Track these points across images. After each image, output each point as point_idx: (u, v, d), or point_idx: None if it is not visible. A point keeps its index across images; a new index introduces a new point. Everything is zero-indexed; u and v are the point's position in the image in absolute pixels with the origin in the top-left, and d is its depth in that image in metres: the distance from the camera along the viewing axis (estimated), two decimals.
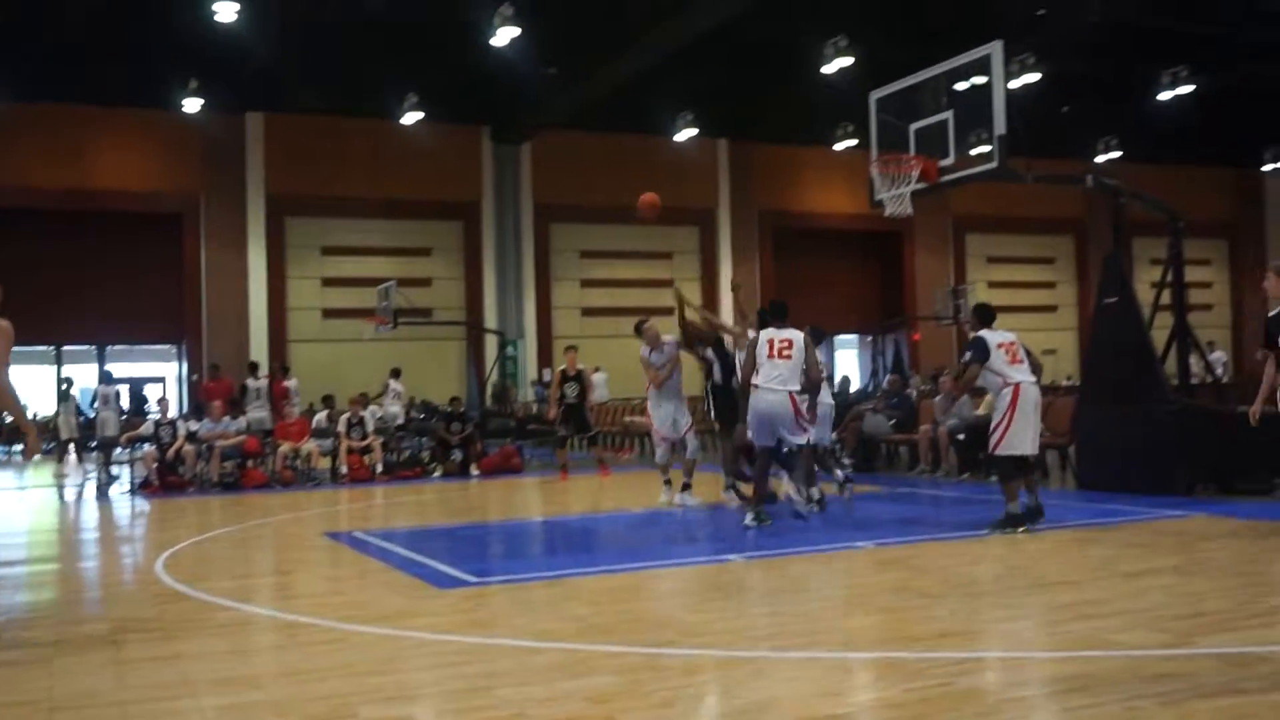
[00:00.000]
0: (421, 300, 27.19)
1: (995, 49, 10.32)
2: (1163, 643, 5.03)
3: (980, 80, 10.64)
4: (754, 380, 9.52)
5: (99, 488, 15.66)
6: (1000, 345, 8.80)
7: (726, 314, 30.61)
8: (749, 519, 9.41)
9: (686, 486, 11.37)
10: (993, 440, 8.78)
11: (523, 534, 10.58)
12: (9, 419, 19.79)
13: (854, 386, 21.92)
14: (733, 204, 32.58)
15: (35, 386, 29.01)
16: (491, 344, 27.93)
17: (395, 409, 19.68)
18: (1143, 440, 10.96)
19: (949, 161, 10.91)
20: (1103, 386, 11.57)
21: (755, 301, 27.29)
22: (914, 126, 11.21)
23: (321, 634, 5.81)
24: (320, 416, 18.07)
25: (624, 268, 31.63)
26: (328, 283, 28.86)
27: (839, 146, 29.85)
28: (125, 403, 18.14)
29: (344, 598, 6.99)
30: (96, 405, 18.56)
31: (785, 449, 9.78)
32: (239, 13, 19.33)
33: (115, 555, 9.86)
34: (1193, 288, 25.26)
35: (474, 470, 16.48)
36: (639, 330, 11.61)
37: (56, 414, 20.87)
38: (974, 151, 10.95)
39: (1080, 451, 12.29)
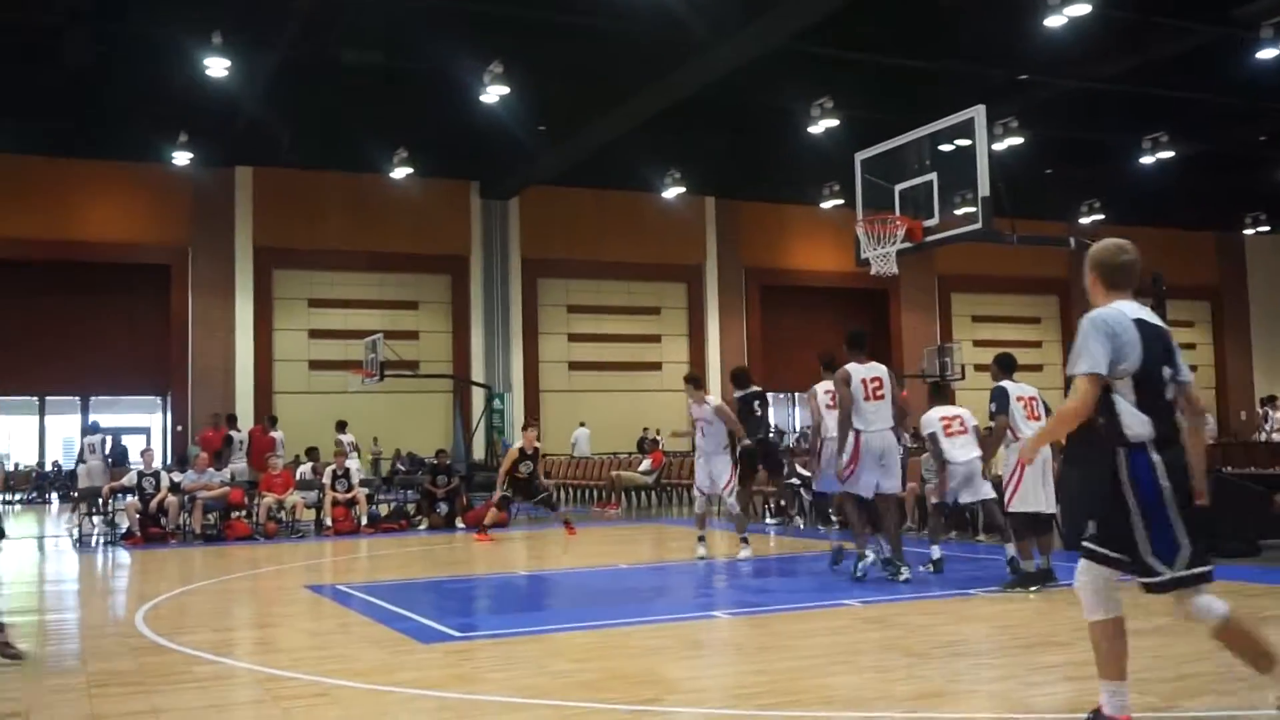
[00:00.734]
0: (408, 353, 27.22)
1: (978, 112, 10.48)
2: (1147, 705, 5.02)
3: (964, 142, 10.79)
4: (856, 425, 9.23)
5: (80, 538, 15.51)
6: (1019, 399, 8.77)
7: (714, 379, 30.73)
8: (864, 567, 9.24)
9: (744, 540, 11.40)
10: (1005, 496, 8.79)
11: (507, 588, 10.51)
12: None
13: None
14: (720, 261, 32.80)
15: (18, 436, 28.87)
16: (478, 397, 27.95)
17: (352, 463, 18.85)
18: None
19: (934, 222, 11.03)
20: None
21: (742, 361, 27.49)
22: (899, 187, 11.35)
23: (303, 688, 5.75)
24: (305, 469, 17.98)
25: (611, 323, 31.77)
26: (314, 335, 28.88)
27: (825, 205, 30.16)
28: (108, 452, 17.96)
29: (326, 652, 6.93)
30: (83, 454, 18.39)
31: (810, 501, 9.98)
32: (229, 68, 19.51)
33: (95, 607, 9.75)
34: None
35: (459, 524, 16.40)
36: (688, 381, 11.87)
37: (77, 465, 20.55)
38: (959, 212, 11.09)
39: (1065, 512, 12.28)
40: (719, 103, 23.01)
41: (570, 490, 23.36)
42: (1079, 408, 4.26)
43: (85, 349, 27.23)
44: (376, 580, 10.85)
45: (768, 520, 16.66)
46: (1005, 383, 8.86)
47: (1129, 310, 4.29)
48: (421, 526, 16.39)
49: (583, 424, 27.97)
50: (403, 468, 25.76)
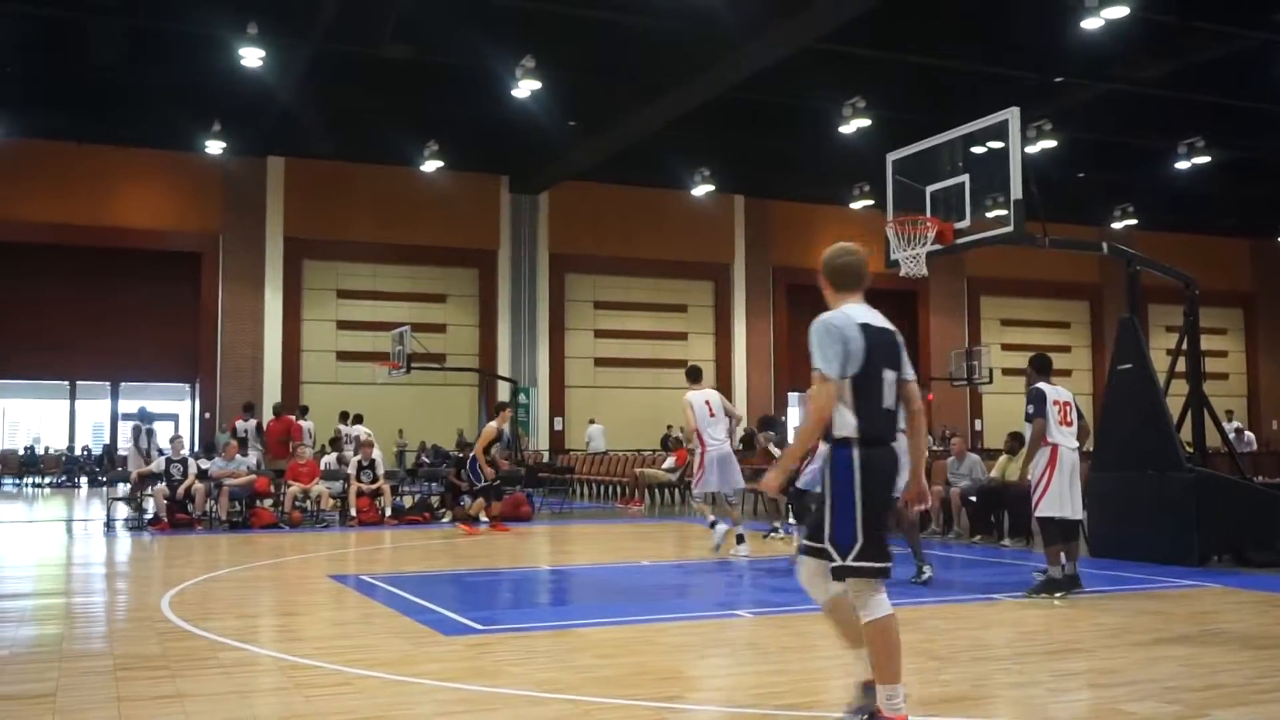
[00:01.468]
0: (435, 346, 27.33)
1: (1012, 114, 10.39)
2: (1174, 715, 4.97)
3: (997, 145, 10.70)
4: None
5: (109, 523, 15.63)
6: (1055, 403, 8.68)
7: (739, 378, 30.69)
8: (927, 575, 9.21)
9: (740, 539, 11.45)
10: (1033, 500, 8.73)
11: (529, 582, 10.52)
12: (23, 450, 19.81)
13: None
14: (748, 259, 32.74)
15: (49, 420, 29.18)
16: (504, 391, 28.01)
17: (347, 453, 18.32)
18: (1157, 508, 10.87)
19: (964, 224, 10.95)
20: (1116, 453, 11.49)
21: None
22: (930, 188, 11.27)
23: (325, 677, 5.78)
24: (330, 459, 18.06)
25: (637, 319, 31.78)
26: (342, 326, 29.03)
27: (855, 206, 30.04)
28: (161, 442, 17.96)
29: (349, 641, 6.96)
30: (140, 440, 18.43)
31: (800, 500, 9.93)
32: (264, 58, 19.62)
33: (122, 591, 9.83)
34: (1208, 356, 25.21)
35: (483, 517, 16.42)
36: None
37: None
38: (990, 214, 10.99)
39: (1093, 518, 12.20)
40: (750, 101, 22.95)
41: (593, 486, 23.39)
42: (822, 410, 4.39)
43: (116, 335, 27.49)
44: (399, 571, 10.89)
45: (791, 521, 16.61)
46: (1043, 385, 8.77)
47: (855, 314, 4.47)
48: (445, 519, 16.44)
49: (593, 420, 28.10)
50: (427, 460, 25.84)
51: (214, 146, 25.71)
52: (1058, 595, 8.44)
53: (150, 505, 15.48)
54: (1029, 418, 8.67)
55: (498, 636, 7.04)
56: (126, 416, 20.10)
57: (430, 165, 27.13)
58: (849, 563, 4.34)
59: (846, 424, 4.38)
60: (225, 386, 27.29)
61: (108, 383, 28.62)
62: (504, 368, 29.29)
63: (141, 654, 6.38)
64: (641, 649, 6.72)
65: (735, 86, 21.11)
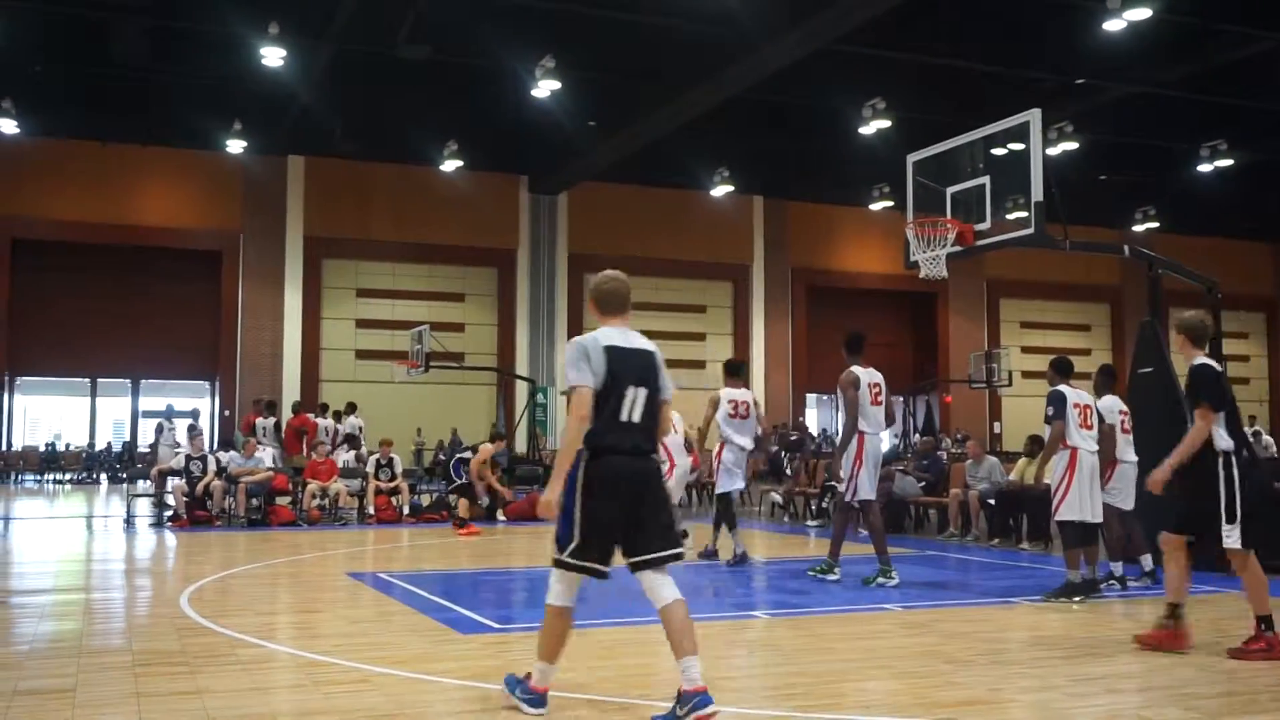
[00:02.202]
0: (454, 345, 27.38)
1: (1034, 116, 10.34)
2: None
3: (1018, 146, 10.65)
4: (862, 427, 9.40)
5: (129, 519, 15.73)
6: (1075, 405, 8.65)
7: (758, 379, 30.62)
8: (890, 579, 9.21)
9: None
10: (1053, 504, 8.70)
11: (546, 582, 10.51)
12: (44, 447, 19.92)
13: (885, 446, 21.81)
14: (767, 260, 32.69)
15: (70, 416, 29.37)
16: (522, 390, 28.06)
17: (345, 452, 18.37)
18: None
19: (985, 226, 10.90)
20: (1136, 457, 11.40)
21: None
22: (950, 190, 11.23)
23: (343, 674, 5.80)
24: (348, 456, 18.13)
25: (656, 320, 31.72)
26: (361, 324, 29.13)
27: (875, 207, 29.96)
28: (180, 437, 18.10)
29: (367, 639, 6.99)
30: (163, 437, 18.54)
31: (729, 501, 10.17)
32: (284, 58, 19.71)
33: (141, 587, 9.90)
34: (1230, 360, 25.03)
35: (500, 516, 16.46)
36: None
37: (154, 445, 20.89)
38: (1010, 217, 10.94)
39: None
40: (769, 102, 22.93)
41: None
42: (581, 416, 4.74)
43: (137, 332, 27.65)
44: (417, 570, 10.92)
45: (809, 523, 16.60)
46: (1063, 387, 8.72)
47: (604, 336, 4.91)
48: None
49: None
50: (445, 459, 25.89)
51: (235, 146, 25.85)
52: (1076, 599, 8.40)
53: (170, 501, 15.58)
54: (1048, 420, 8.62)
55: (515, 635, 7.05)
56: (148, 414, 20.23)
57: (450, 165, 27.20)
58: (563, 557, 4.84)
59: (589, 433, 4.76)
60: (245, 384, 27.41)
61: (128, 380, 28.79)
62: (522, 367, 29.33)
63: (161, 650, 6.42)
64: (659, 649, 6.70)
65: (755, 87, 21.08)
